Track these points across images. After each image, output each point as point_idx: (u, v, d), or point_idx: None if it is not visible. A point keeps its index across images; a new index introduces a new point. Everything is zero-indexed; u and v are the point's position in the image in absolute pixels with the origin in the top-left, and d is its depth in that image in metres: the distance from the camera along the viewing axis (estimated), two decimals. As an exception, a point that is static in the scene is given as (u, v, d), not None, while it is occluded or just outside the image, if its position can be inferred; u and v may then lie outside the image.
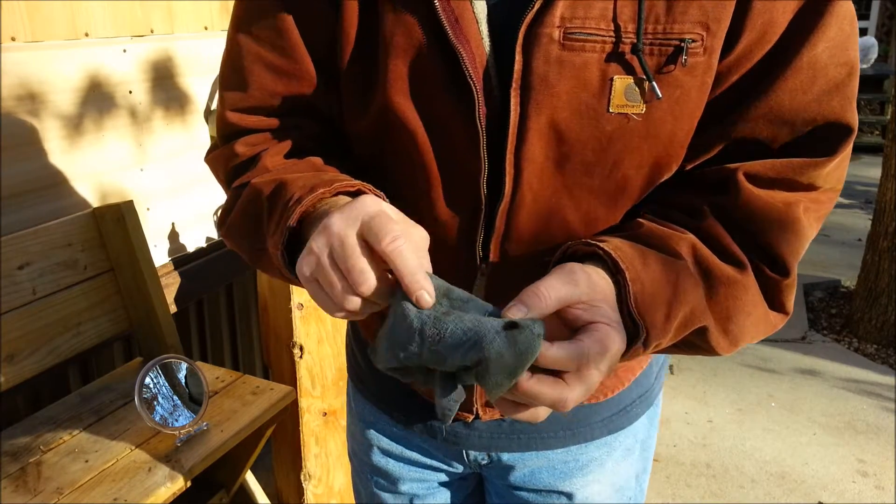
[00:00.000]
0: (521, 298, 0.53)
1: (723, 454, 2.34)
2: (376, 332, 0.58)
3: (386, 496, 0.94)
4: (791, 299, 0.66)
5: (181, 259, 1.90)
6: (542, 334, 0.51)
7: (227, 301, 2.17)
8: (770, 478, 2.22)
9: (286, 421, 1.60)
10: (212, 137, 1.96)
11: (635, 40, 0.59)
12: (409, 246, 0.52)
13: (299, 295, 1.66)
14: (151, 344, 1.65)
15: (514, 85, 0.61)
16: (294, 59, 0.69)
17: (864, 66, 4.87)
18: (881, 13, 7.29)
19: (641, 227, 0.65)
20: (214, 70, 1.96)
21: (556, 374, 0.53)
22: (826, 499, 2.13)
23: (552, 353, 0.52)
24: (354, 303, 0.54)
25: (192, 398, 1.42)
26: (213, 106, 1.96)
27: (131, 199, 1.59)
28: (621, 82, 0.61)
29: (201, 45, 1.90)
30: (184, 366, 1.44)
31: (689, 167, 0.67)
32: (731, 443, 2.39)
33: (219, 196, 2.02)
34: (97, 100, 1.63)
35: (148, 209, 1.78)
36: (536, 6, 0.59)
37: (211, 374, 1.59)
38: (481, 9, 0.63)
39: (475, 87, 0.62)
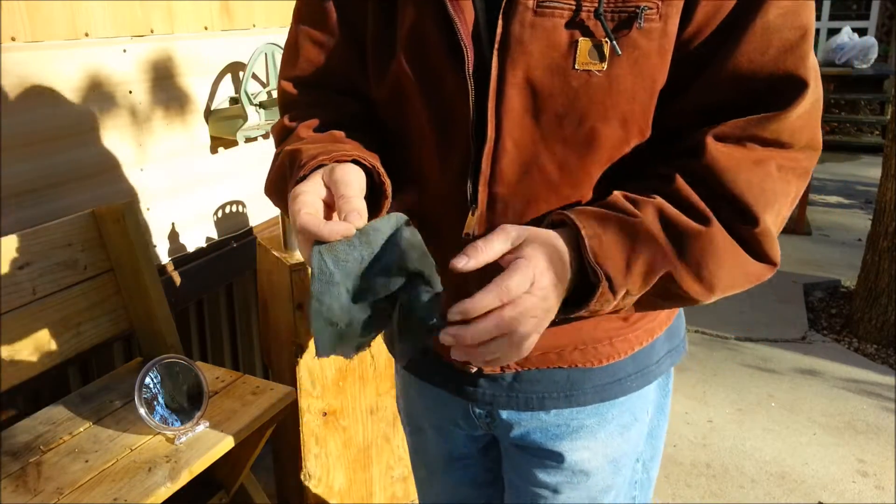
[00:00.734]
0: (464, 251, 0.64)
1: (723, 454, 2.34)
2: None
3: (416, 441, 1.11)
4: (773, 249, 0.74)
5: (181, 259, 1.90)
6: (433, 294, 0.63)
7: (227, 301, 2.17)
8: (770, 478, 2.22)
9: (286, 421, 1.60)
10: (212, 137, 1.96)
11: (597, 6, 0.70)
12: (308, 210, 0.67)
13: (299, 295, 1.66)
14: (151, 344, 1.65)
15: (495, 45, 0.73)
16: (335, 35, 0.85)
17: (864, 66, 4.86)
18: (881, 13, 7.29)
19: (611, 197, 0.74)
20: (214, 70, 1.96)
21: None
22: (826, 499, 2.13)
23: (476, 300, 0.62)
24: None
25: (192, 398, 1.42)
26: (214, 106, 1.96)
27: (131, 199, 1.59)
28: (585, 43, 0.71)
29: (201, 45, 1.90)
30: (184, 366, 1.44)
31: (664, 142, 0.76)
32: (731, 443, 2.39)
33: (219, 196, 2.02)
34: (97, 100, 1.63)
35: (148, 209, 1.78)
36: None
37: (211, 374, 1.59)
38: None
39: (465, 47, 0.74)
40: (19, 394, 1.55)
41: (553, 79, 0.73)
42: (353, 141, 0.81)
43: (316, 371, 1.75)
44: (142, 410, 1.37)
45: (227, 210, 2.06)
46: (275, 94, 2.11)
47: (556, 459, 0.94)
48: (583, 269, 0.70)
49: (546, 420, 0.92)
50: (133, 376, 1.58)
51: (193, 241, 1.95)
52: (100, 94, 1.64)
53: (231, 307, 2.19)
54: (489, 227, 0.77)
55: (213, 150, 1.98)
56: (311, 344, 1.72)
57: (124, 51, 1.68)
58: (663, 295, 0.73)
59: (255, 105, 2.01)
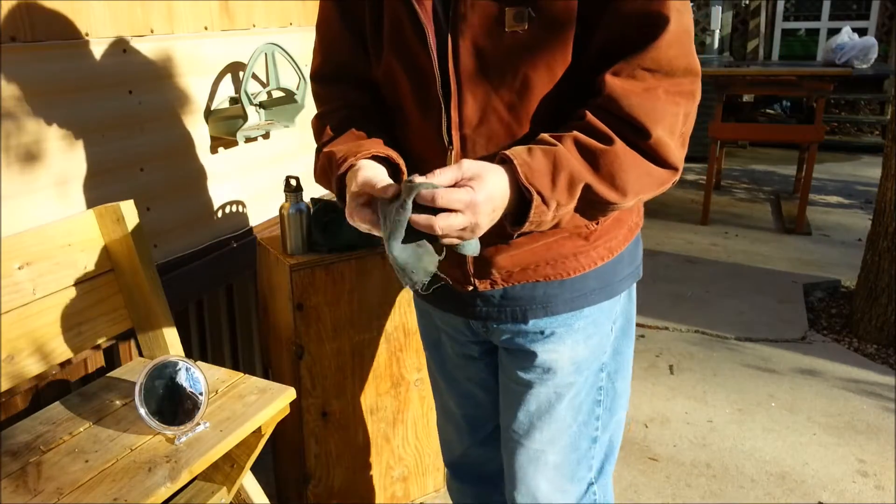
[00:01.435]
0: (427, 174, 0.87)
1: (723, 454, 2.34)
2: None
3: (435, 358, 1.40)
4: (671, 156, 0.93)
5: (181, 259, 1.90)
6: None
7: (227, 301, 2.17)
8: (770, 478, 2.22)
9: (286, 421, 1.60)
10: (212, 137, 1.96)
11: None
12: (357, 182, 0.94)
13: (299, 295, 1.66)
14: (151, 344, 1.65)
15: (450, 22, 0.97)
16: (342, 35, 1.11)
17: (864, 66, 4.85)
18: (881, 13, 7.28)
19: (539, 136, 0.94)
20: (214, 70, 1.96)
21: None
22: (826, 499, 2.13)
23: (441, 187, 0.86)
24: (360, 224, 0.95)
25: (192, 398, 1.42)
26: (214, 106, 1.96)
27: (131, 199, 1.59)
28: (510, 11, 0.94)
29: (201, 45, 1.90)
30: (184, 366, 1.44)
31: (584, 89, 0.96)
32: (731, 443, 2.39)
33: (219, 196, 2.02)
34: (97, 100, 1.63)
35: (148, 209, 1.78)
36: None
37: (211, 374, 1.59)
38: None
39: (425, 26, 0.98)
40: (19, 394, 1.55)
41: (491, 41, 0.96)
42: (370, 137, 1.06)
43: (316, 371, 1.75)
44: (142, 410, 1.37)
45: (227, 210, 2.06)
46: (274, 95, 2.11)
47: (530, 359, 1.17)
48: (521, 191, 0.90)
49: (525, 328, 1.16)
50: (133, 376, 1.58)
51: (193, 241, 1.95)
52: (100, 94, 1.63)
53: (231, 307, 2.19)
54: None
55: (213, 150, 1.98)
56: (311, 344, 1.73)
57: (124, 51, 1.68)
58: (589, 204, 0.94)
59: (255, 105, 2.01)
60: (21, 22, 1.45)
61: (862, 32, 6.86)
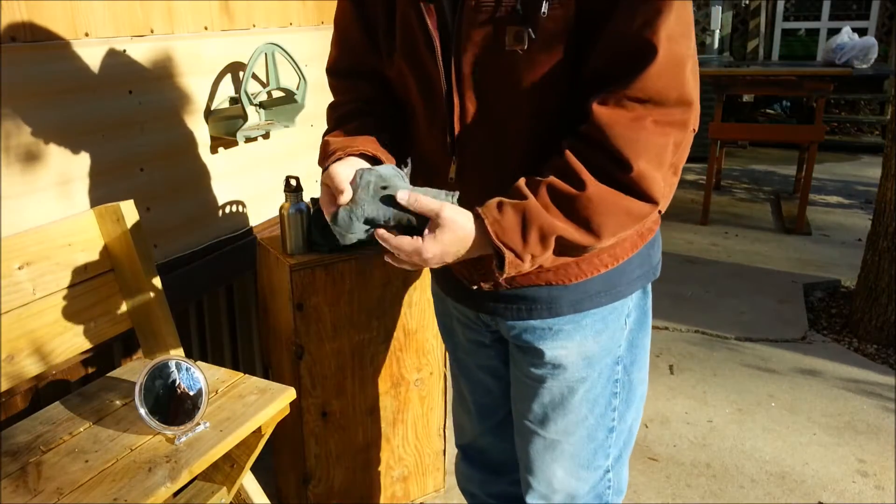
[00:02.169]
0: (410, 194, 0.97)
1: (723, 454, 2.34)
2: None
3: (448, 343, 1.45)
4: (652, 189, 0.93)
5: (181, 259, 1.90)
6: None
7: (227, 301, 2.17)
8: (770, 478, 2.22)
9: (286, 421, 1.60)
10: (212, 137, 1.96)
11: (516, 4, 0.95)
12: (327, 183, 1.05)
13: (299, 295, 1.66)
14: (151, 344, 1.65)
15: (454, 38, 1.01)
16: (357, 33, 1.16)
17: (864, 66, 4.85)
18: (881, 13, 7.27)
19: (516, 183, 0.98)
20: (214, 70, 1.96)
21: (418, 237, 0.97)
22: (826, 499, 2.13)
23: (420, 199, 0.96)
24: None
25: (193, 398, 1.42)
26: (214, 106, 1.96)
27: (131, 199, 1.59)
28: (511, 30, 0.96)
29: (201, 45, 1.90)
30: (184, 366, 1.44)
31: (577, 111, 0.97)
32: (731, 443, 2.39)
33: (219, 196, 2.02)
34: (97, 100, 1.63)
35: (148, 209, 1.78)
36: None
37: (211, 374, 1.59)
38: None
39: (434, 39, 1.02)
40: (19, 394, 1.55)
41: (490, 58, 0.99)
42: (373, 133, 1.12)
43: (316, 371, 1.75)
44: (142, 410, 1.37)
45: (227, 210, 2.06)
46: (274, 95, 2.11)
47: (540, 356, 1.19)
48: (496, 246, 0.95)
49: (533, 325, 1.17)
50: (133, 376, 1.58)
51: (193, 241, 1.95)
52: (100, 94, 1.63)
53: (231, 307, 2.19)
54: (461, 167, 1.09)
55: (213, 150, 1.98)
56: (311, 344, 1.73)
57: (124, 51, 1.68)
58: (565, 249, 0.97)
59: (255, 105, 2.01)
60: (21, 22, 1.45)
61: (862, 32, 6.85)
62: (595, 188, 0.92)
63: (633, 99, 0.90)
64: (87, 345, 1.56)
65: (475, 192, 1.03)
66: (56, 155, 1.55)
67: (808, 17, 7.97)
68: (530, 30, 0.94)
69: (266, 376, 1.81)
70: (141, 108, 1.74)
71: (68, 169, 1.58)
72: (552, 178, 0.94)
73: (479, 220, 0.96)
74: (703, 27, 6.73)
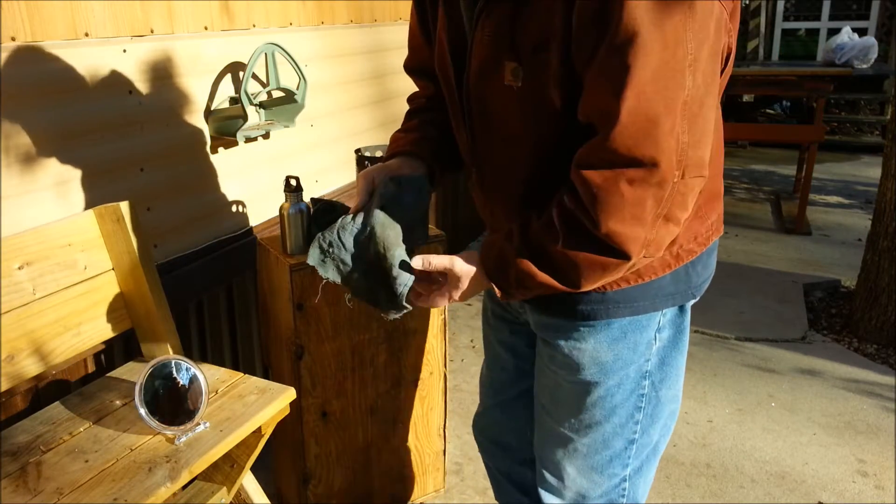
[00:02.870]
0: (422, 257, 1.09)
1: (723, 454, 2.34)
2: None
3: (487, 331, 1.50)
4: (623, 246, 0.96)
5: (181, 259, 1.90)
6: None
7: (227, 301, 2.17)
8: (770, 478, 2.22)
9: (286, 421, 1.60)
10: (212, 137, 1.96)
11: (515, 42, 0.99)
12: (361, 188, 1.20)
13: (299, 295, 1.66)
14: (151, 344, 1.65)
15: (467, 63, 1.09)
16: (421, 35, 1.27)
17: (864, 66, 4.85)
18: (881, 13, 7.27)
19: (512, 226, 1.06)
20: (214, 70, 1.96)
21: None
22: (826, 499, 2.13)
23: (435, 259, 1.08)
24: None
25: (193, 398, 1.42)
26: (214, 106, 1.96)
27: (131, 200, 1.59)
28: (509, 66, 1.01)
29: (201, 45, 1.90)
30: (184, 366, 1.44)
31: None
32: (731, 443, 2.39)
33: (219, 196, 2.02)
34: (97, 100, 1.63)
35: (148, 209, 1.78)
36: (478, 18, 1.04)
37: (211, 374, 1.59)
38: (468, 15, 1.08)
39: (449, 64, 1.13)
40: (19, 394, 1.55)
41: (493, 87, 1.05)
42: (427, 130, 1.28)
43: (316, 371, 1.75)
44: (142, 410, 1.37)
45: (227, 210, 2.06)
46: (274, 95, 2.11)
47: (557, 350, 1.22)
48: (486, 283, 1.08)
49: (552, 320, 1.22)
50: (133, 376, 1.58)
51: (193, 241, 1.95)
52: (100, 94, 1.63)
53: (231, 307, 2.19)
54: (483, 178, 1.18)
55: (213, 150, 1.98)
56: (311, 344, 1.72)
57: (124, 51, 1.68)
58: (545, 290, 1.04)
59: (255, 105, 2.01)
60: (21, 22, 1.45)
61: (862, 32, 6.86)
62: (567, 243, 0.98)
63: (605, 157, 0.92)
64: (87, 345, 1.56)
65: (496, 200, 1.18)
66: (56, 155, 1.55)
67: (808, 17, 7.97)
68: (522, 69, 0.99)
69: (266, 376, 1.81)
70: (141, 108, 1.75)
71: (68, 169, 1.58)
72: (537, 228, 1.01)
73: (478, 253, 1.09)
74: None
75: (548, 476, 1.34)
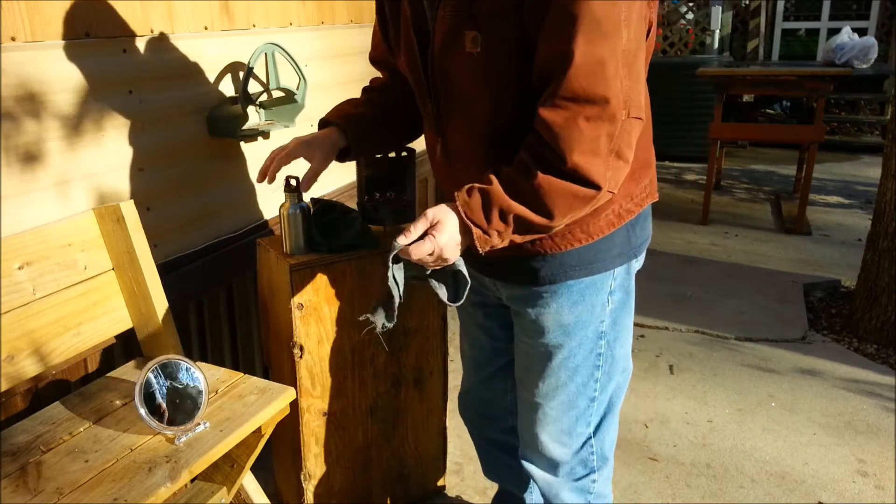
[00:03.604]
0: (403, 231, 1.13)
1: (723, 454, 2.34)
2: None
3: (464, 318, 1.66)
4: (593, 176, 1.08)
5: (181, 259, 1.90)
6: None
7: (227, 301, 2.17)
8: (770, 478, 2.22)
9: (286, 421, 1.60)
10: (212, 137, 1.96)
11: (472, 14, 1.13)
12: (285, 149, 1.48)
13: (299, 295, 1.66)
14: (151, 344, 1.65)
15: (430, 39, 1.22)
16: (379, 34, 1.42)
17: (864, 66, 4.85)
18: (881, 13, 7.27)
19: (486, 174, 1.14)
20: (214, 70, 1.96)
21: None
22: (826, 499, 2.13)
23: (414, 225, 1.14)
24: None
25: (192, 398, 1.42)
26: (213, 106, 1.96)
27: (131, 199, 1.59)
28: (469, 35, 1.14)
29: (201, 45, 1.90)
30: (184, 366, 1.44)
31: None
32: (731, 443, 2.39)
33: (219, 196, 2.02)
34: (97, 100, 1.63)
35: (148, 209, 1.78)
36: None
37: (211, 374, 1.59)
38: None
39: (413, 41, 1.25)
40: (19, 394, 1.55)
41: (455, 56, 1.17)
42: (363, 105, 1.50)
43: (316, 371, 1.75)
44: (142, 410, 1.37)
45: (227, 210, 2.06)
46: (275, 95, 2.11)
47: (524, 317, 1.38)
48: (465, 223, 1.13)
49: (520, 291, 1.37)
50: (133, 376, 1.58)
51: (193, 241, 1.95)
52: (100, 94, 1.64)
53: (231, 307, 2.19)
54: (447, 149, 1.30)
55: (213, 150, 1.98)
56: (311, 344, 1.73)
57: (124, 51, 1.68)
58: (526, 229, 1.14)
59: (255, 105, 2.01)
60: (21, 22, 1.45)
61: (862, 32, 6.85)
62: (541, 178, 1.09)
63: (564, 98, 1.06)
64: (87, 345, 1.56)
65: (459, 169, 1.29)
66: (56, 155, 1.55)
67: (808, 17, 7.96)
68: (480, 36, 1.13)
69: (266, 376, 1.81)
70: (141, 108, 1.75)
71: (68, 169, 1.58)
72: (510, 171, 1.13)
73: (453, 203, 1.14)
74: (703, 27, 6.73)
75: (526, 447, 1.52)
